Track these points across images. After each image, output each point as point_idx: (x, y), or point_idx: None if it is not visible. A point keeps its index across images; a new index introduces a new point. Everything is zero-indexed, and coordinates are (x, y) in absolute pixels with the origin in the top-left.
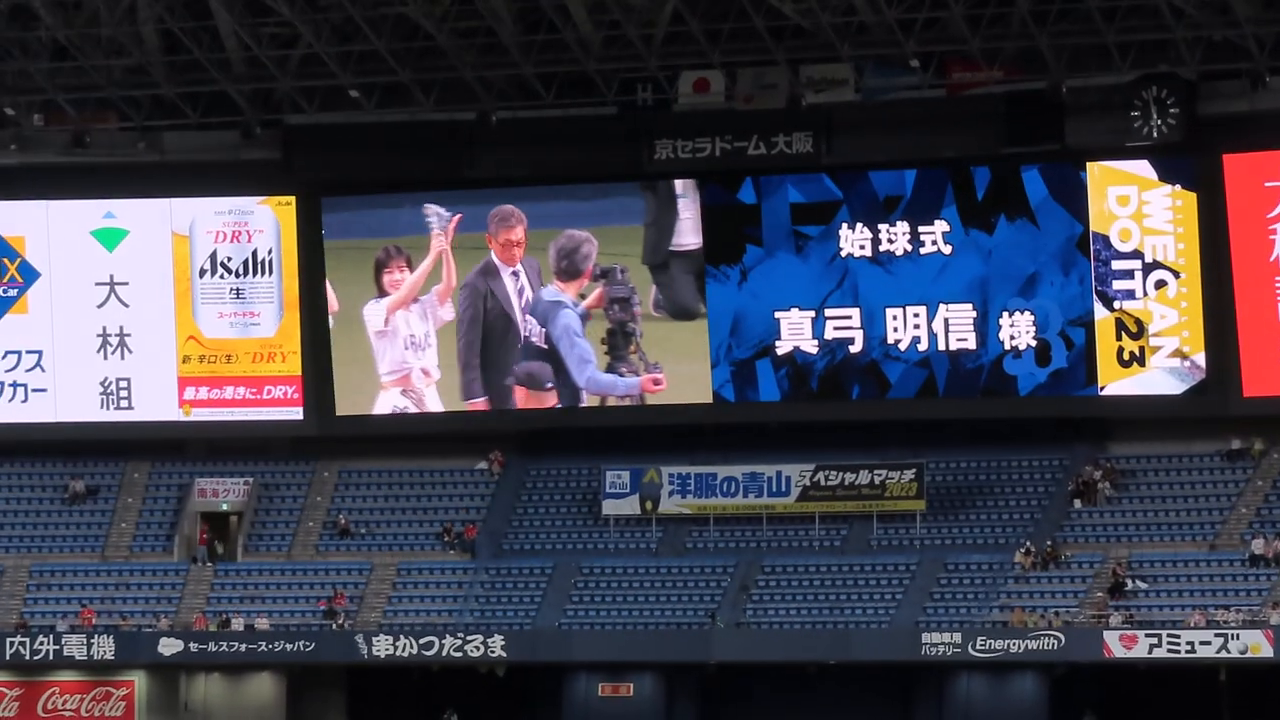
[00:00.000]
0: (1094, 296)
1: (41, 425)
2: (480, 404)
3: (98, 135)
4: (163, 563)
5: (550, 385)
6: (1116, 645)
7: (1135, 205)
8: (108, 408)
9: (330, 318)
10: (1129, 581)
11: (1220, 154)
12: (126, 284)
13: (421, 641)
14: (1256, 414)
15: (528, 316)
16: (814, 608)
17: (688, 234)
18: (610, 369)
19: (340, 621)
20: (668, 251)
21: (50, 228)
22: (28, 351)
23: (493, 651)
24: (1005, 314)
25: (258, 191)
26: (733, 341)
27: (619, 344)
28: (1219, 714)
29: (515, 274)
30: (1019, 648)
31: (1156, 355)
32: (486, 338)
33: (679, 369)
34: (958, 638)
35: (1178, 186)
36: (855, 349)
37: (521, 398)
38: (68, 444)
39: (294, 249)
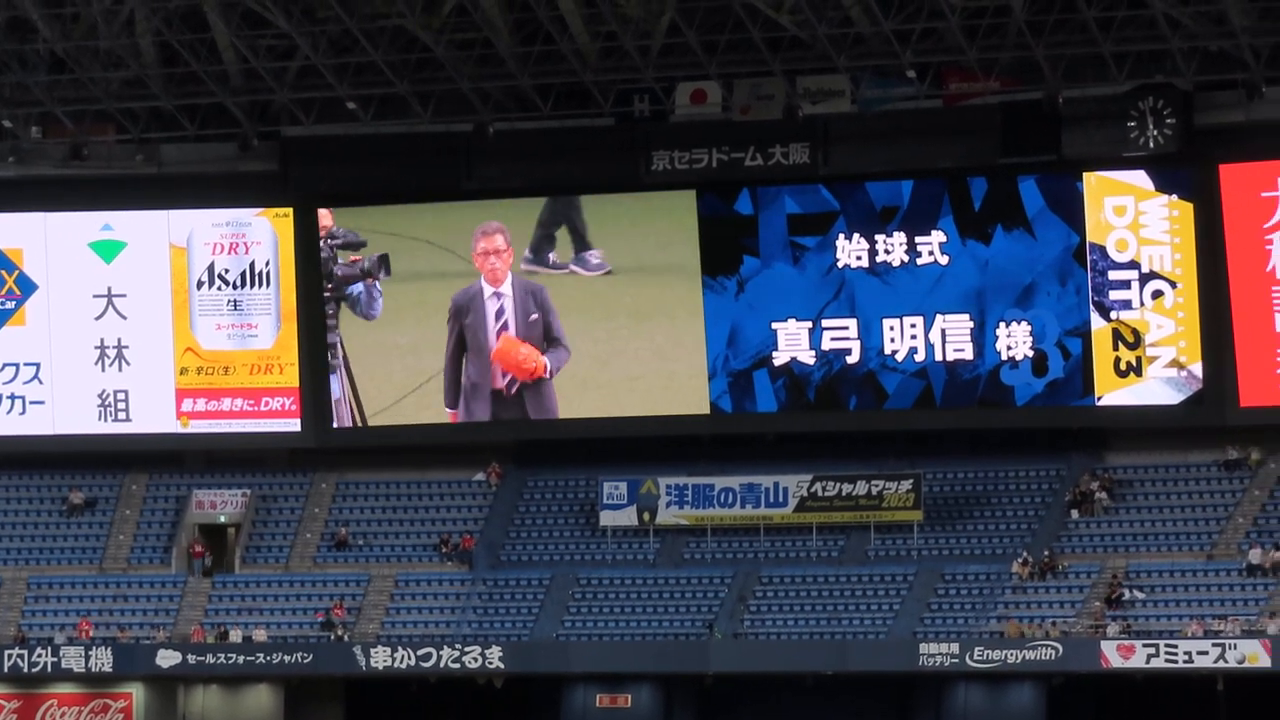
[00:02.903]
0: (1091, 307)
1: (39, 437)
2: (453, 415)
3: (95, 148)
4: (161, 574)
5: None
6: (1114, 655)
7: (1132, 215)
8: (106, 420)
9: None
10: (1126, 591)
11: (1216, 164)
12: (124, 296)
13: (419, 653)
14: (1253, 424)
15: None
16: (811, 618)
17: None
18: None
19: (338, 633)
20: None
21: (48, 240)
22: (26, 364)
23: (490, 663)
24: (1002, 324)
25: (255, 203)
26: (730, 352)
27: None
28: None
29: (498, 295)
30: (1017, 658)
31: (1153, 365)
32: (459, 357)
33: (673, 378)
34: (955, 648)
35: (1174, 197)
36: (852, 359)
37: None
38: (66, 456)
39: (291, 261)
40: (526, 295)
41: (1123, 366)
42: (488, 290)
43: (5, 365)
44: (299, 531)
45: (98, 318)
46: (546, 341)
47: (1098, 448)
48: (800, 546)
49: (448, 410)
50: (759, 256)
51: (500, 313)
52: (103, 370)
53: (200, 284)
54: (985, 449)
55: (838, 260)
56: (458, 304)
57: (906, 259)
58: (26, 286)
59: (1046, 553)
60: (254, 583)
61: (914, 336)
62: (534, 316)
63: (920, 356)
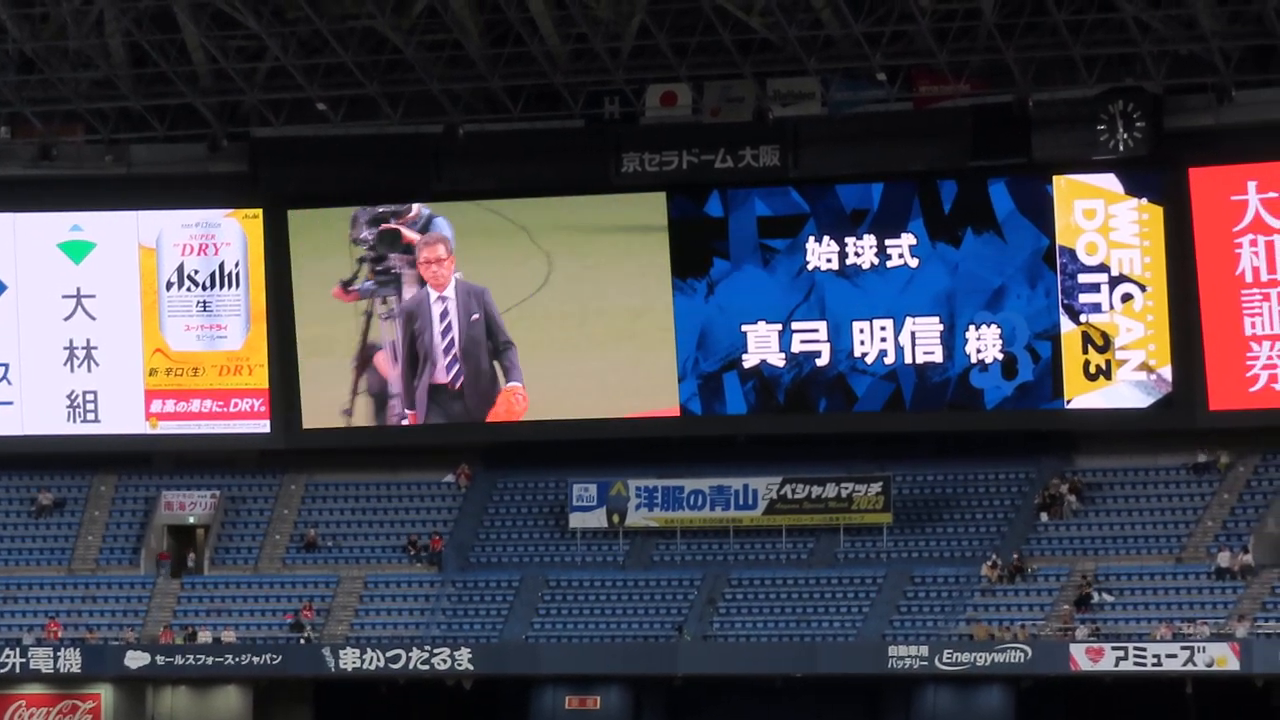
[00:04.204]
0: (1060, 310)
1: (8, 438)
2: (413, 417)
3: (64, 148)
4: (129, 575)
5: None
6: (1083, 658)
7: (1102, 219)
8: (74, 420)
9: None
10: (1095, 594)
11: (1186, 168)
12: (93, 297)
13: (388, 654)
14: (1222, 427)
15: (448, 347)
16: (781, 620)
17: None
18: None
19: (307, 634)
20: None
21: (17, 240)
22: None
23: (459, 664)
24: (972, 327)
25: (224, 204)
26: (700, 355)
27: None
28: None
29: (443, 299)
30: (986, 660)
31: (1123, 368)
32: (410, 368)
33: (643, 380)
34: (924, 650)
35: (1144, 200)
36: (822, 362)
37: None
38: (35, 457)
39: (261, 262)
40: (469, 297)
41: (1092, 370)
42: (433, 295)
43: None
44: (268, 533)
45: (67, 318)
46: (491, 343)
47: (1067, 451)
48: (769, 549)
49: (408, 412)
50: (729, 259)
51: (445, 314)
52: (71, 371)
53: (169, 285)
54: (955, 452)
55: (808, 263)
56: (407, 309)
57: (876, 261)
58: None
59: (1016, 555)
60: (223, 584)
61: (884, 339)
62: (475, 316)
63: (890, 359)
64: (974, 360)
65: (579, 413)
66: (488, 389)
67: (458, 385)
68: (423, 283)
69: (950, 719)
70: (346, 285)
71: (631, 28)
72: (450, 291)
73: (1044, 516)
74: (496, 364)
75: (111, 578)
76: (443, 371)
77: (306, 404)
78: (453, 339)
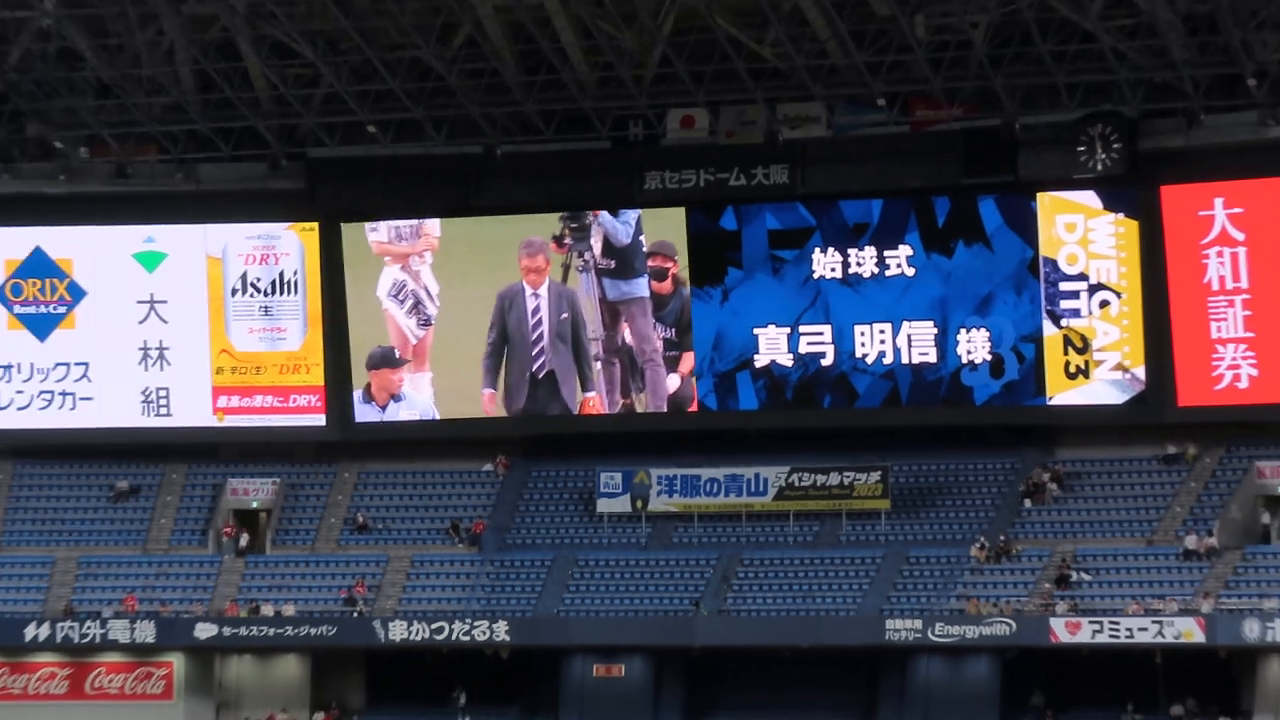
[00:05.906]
0: (1043, 315)
1: (88, 430)
2: (488, 402)
3: (138, 167)
4: (198, 555)
5: None
6: (1062, 631)
7: (1081, 232)
8: (148, 414)
9: None
10: (1074, 574)
11: (1158, 185)
12: (165, 302)
13: (433, 626)
14: (1190, 421)
15: (541, 342)
16: (789, 597)
17: None
18: None
19: (359, 609)
20: None
21: (96, 251)
22: (76, 363)
23: (497, 636)
24: (963, 331)
25: (284, 218)
26: (715, 355)
27: None
28: (1155, 693)
29: (535, 295)
30: (974, 633)
31: (1100, 368)
32: (498, 348)
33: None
34: (918, 624)
35: (1120, 215)
36: (826, 362)
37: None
38: (112, 447)
39: (317, 270)
40: (560, 298)
41: (1072, 369)
42: (528, 290)
43: (57, 365)
44: (324, 516)
45: (141, 322)
46: (576, 346)
47: (1049, 443)
48: (779, 531)
49: (484, 391)
50: (742, 268)
51: (536, 310)
52: (145, 369)
53: (234, 291)
54: (947, 444)
55: (814, 272)
56: (503, 299)
57: (876, 271)
58: (76, 293)
59: (1002, 538)
60: (283, 563)
61: (883, 341)
62: (564, 315)
63: (888, 360)
64: (964, 361)
65: (606, 407)
66: (570, 387)
67: (541, 375)
68: (607, 243)
69: (942, 686)
70: (559, 240)
71: (654, 57)
72: (544, 291)
73: (1028, 503)
74: (579, 367)
75: (182, 557)
76: (529, 360)
77: None
78: (542, 332)
